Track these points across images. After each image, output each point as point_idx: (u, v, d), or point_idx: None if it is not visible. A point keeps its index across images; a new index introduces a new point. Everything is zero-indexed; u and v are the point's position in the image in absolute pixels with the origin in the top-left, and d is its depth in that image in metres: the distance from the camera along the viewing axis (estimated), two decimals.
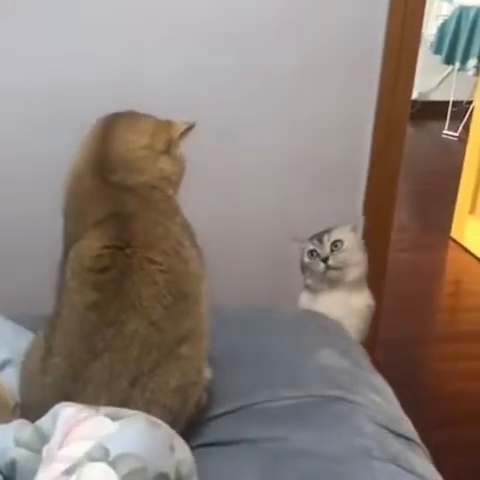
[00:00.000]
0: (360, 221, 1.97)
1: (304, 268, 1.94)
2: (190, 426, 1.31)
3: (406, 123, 2.29)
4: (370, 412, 1.39)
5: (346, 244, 1.87)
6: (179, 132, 1.40)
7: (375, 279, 2.15)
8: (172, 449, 1.02)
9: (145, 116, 1.41)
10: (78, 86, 1.96)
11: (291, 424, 1.35)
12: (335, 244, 1.87)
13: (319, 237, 1.90)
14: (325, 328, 1.69)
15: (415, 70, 2.23)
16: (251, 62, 2.10)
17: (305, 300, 1.94)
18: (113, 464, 0.91)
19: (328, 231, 1.90)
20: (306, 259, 1.91)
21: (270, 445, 1.30)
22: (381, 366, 1.67)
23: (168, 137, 1.38)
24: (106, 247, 1.23)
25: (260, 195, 2.27)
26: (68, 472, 0.90)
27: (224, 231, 2.17)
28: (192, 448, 1.25)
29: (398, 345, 2.82)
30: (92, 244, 1.24)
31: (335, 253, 1.86)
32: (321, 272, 1.86)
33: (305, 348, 1.57)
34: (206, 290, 1.33)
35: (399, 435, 1.37)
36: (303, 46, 2.12)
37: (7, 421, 1.15)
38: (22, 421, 1.10)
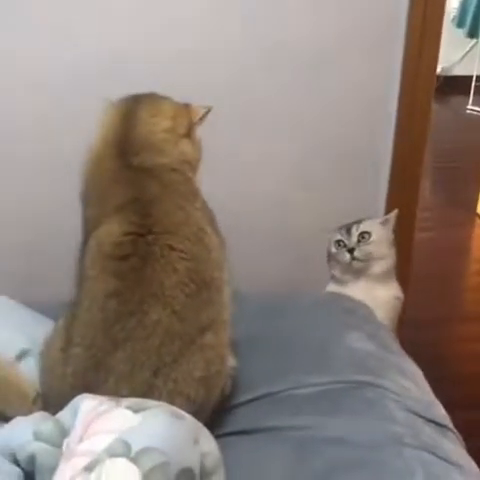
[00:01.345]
0: (392, 215, 1.92)
1: (330, 258, 1.91)
2: (215, 414, 1.28)
3: (431, 99, 2.22)
4: (400, 398, 1.35)
5: (374, 237, 1.84)
6: (198, 116, 1.38)
7: (401, 259, 2.10)
8: (196, 441, 0.99)
9: (165, 99, 1.38)
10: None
11: (319, 411, 1.31)
12: (363, 235, 1.84)
13: (347, 227, 1.87)
14: (352, 311, 1.64)
15: (439, 45, 2.15)
16: (269, 44, 2.05)
17: (331, 291, 1.90)
18: (135, 460, 0.88)
19: (357, 222, 1.87)
20: (333, 249, 1.89)
21: (297, 433, 1.27)
22: (407, 346, 1.63)
23: (188, 121, 1.36)
24: (127, 233, 1.20)
25: (282, 181, 2.23)
26: (89, 468, 0.87)
27: (243, 218, 2.15)
28: (217, 437, 1.23)
29: (424, 325, 2.76)
30: (112, 230, 1.20)
31: (361, 245, 1.83)
32: (346, 263, 1.83)
33: (332, 332, 1.53)
34: (228, 277, 1.29)
35: (431, 421, 1.33)
36: (324, 23, 2.07)
37: (28, 413, 1.13)
38: (42, 414, 1.08)
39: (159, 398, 1.12)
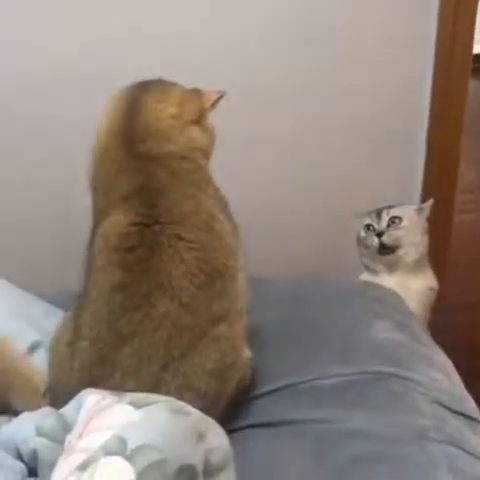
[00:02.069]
0: (427, 204, 1.86)
1: (359, 243, 1.86)
2: (234, 406, 1.26)
3: (467, 79, 2.16)
4: (428, 390, 1.30)
5: (405, 222, 1.78)
6: (210, 102, 1.33)
7: (439, 243, 2.04)
8: (201, 437, 0.96)
9: (173, 85, 1.33)
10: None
11: (341, 404, 1.27)
12: (393, 220, 1.79)
13: (378, 212, 1.82)
14: (381, 299, 1.59)
15: (475, 22, 2.09)
16: (296, 19, 2.02)
17: (364, 280, 1.86)
18: (130, 458, 0.85)
19: (389, 207, 1.82)
20: (362, 233, 1.84)
21: (318, 427, 1.23)
22: (445, 332, 1.57)
23: (199, 107, 1.31)
24: (133, 224, 1.17)
25: (314, 164, 2.19)
26: (82, 467, 0.85)
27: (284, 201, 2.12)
28: (235, 430, 1.21)
29: (464, 310, 2.67)
30: (118, 221, 1.18)
31: (391, 229, 1.77)
32: (375, 248, 1.78)
33: (358, 321, 1.48)
34: (242, 265, 1.25)
35: (459, 414, 1.27)
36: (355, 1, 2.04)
37: (38, 407, 1.12)
38: (47, 409, 1.06)
39: (167, 393, 1.10)
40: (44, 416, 1.02)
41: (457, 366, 1.45)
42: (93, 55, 1.96)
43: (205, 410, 1.10)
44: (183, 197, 1.21)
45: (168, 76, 1.34)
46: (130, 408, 0.95)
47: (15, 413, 1.15)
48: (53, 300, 1.54)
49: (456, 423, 1.24)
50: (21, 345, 1.33)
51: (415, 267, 1.81)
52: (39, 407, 1.12)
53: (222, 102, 1.34)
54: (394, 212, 1.79)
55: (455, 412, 1.27)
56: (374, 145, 2.19)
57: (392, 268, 1.80)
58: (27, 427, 1.00)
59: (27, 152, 2.06)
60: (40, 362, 1.28)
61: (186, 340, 1.13)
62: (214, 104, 1.33)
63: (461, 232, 2.46)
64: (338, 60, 2.09)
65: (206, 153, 1.31)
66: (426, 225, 1.85)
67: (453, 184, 2.26)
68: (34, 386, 1.21)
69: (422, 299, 1.81)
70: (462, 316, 2.61)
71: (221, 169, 1.29)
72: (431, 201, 1.86)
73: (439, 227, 2.09)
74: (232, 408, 1.24)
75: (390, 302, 1.59)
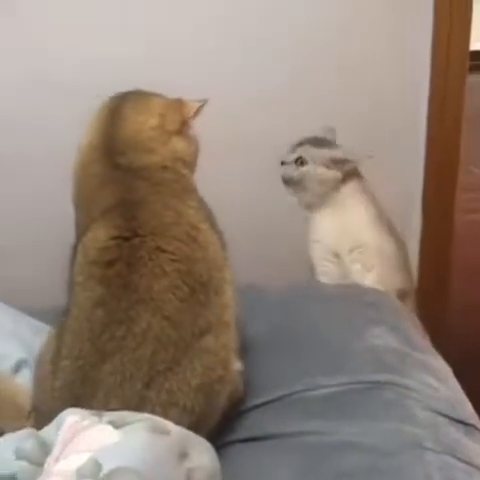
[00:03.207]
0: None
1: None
2: (226, 419, 1.23)
3: (465, 76, 2.13)
4: (423, 397, 1.27)
5: (308, 167, 1.75)
6: (192, 111, 1.32)
7: (441, 243, 2.01)
8: (183, 456, 0.94)
9: (153, 95, 1.33)
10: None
11: (334, 415, 1.24)
12: (301, 160, 1.75)
13: (298, 144, 1.79)
14: (374, 304, 1.55)
15: (471, 19, 2.06)
16: (297, 22, 2.02)
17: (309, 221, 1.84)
18: None
19: (305, 144, 1.78)
20: None
21: (311, 439, 1.20)
22: (453, 335, 1.53)
23: (180, 117, 1.31)
24: (112, 238, 1.15)
25: None
26: None
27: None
28: (224, 445, 1.19)
29: (472, 311, 2.63)
30: (98, 235, 1.16)
31: (294, 166, 1.75)
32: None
33: (351, 328, 1.45)
34: (230, 276, 1.23)
35: (457, 421, 1.24)
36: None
37: (21, 428, 1.10)
38: (27, 430, 1.04)
39: (152, 410, 1.08)
40: (24, 438, 1.00)
41: (462, 369, 1.42)
42: (93, 73, 1.96)
43: (193, 426, 1.09)
44: (163, 208, 1.19)
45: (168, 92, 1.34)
46: (109, 428, 0.93)
47: (1, 434, 1.13)
48: (43, 315, 1.51)
49: (452, 431, 1.21)
50: (6, 363, 1.31)
51: (340, 195, 1.77)
52: (24, 427, 1.10)
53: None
54: (304, 152, 1.76)
55: (451, 419, 1.24)
56: (372, 145, 2.15)
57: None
58: (6, 450, 0.98)
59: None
60: (25, 381, 1.26)
61: (170, 355, 1.11)
62: (196, 113, 1.32)
63: (467, 232, 2.41)
64: (334, 60, 2.07)
65: (189, 163, 1.30)
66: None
67: (453, 182, 2.22)
68: (19, 406, 1.20)
69: (366, 226, 1.77)
70: (471, 317, 2.58)
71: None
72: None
73: (440, 227, 2.05)
74: (223, 422, 1.22)
75: (385, 306, 1.56)
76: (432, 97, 2.13)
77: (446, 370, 1.40)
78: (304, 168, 1.74)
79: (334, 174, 1.75)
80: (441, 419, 1.23)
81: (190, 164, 1.30)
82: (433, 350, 1.47)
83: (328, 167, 1.74)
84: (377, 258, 1.76)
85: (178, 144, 1.28)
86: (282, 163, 1.76)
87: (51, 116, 1.98)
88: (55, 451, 0.93)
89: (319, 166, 1.74)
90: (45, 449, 0.97)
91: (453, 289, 2.28)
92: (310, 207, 1.79)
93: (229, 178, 2.05)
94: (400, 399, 1.26)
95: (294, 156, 1.75)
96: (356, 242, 1.76)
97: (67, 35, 1.94)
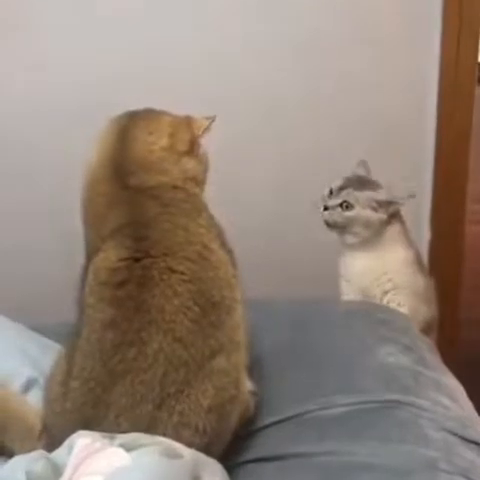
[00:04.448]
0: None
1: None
2: (238, 439, 1.22)
3: (474, 85, 2.14)
4: (437, 417, 1.25)
5: (355, 211, 1.72)
6: (201, 129, 1.31)
7: (451, 255, 1.99)
8: None
9: (162, 114, 1.32)
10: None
11: (347, 435, 1.23)
12: (346, 205, 1.72)
13: (338, 188, 1.75)
14: (386, 321, 1.53)
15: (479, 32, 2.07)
16: (304, 28, 2.06)
17: (342, 259, 1.82)
18: None
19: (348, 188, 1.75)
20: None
21: (324, 459, 1.18)
22: (462, 347, 1.51)
23: (190, 137, 1.29)
24: (122, 259, 1.14)
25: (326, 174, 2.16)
26: None
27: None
28: (239, 464, 1.18)
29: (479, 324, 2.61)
30: (108, 256, 1.16)
31: (337, 210, 1.73)
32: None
33: (363, 346, 1.43)
34: (240, 294, 1.22)
35: (470, 441, 1.22)
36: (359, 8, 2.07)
37: (33, 448, 1.10)
38: (38, 452, 1.04)
39: (164, 432, 1.07)
40: (35, 460, 1.00)
41: (470, 382, 1.41)
42: (94, 86, 2.00)
43: (205, 447, 1.08)
44: (174, 228, 1.18)
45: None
46: (121, 451, 0.93)
47: (11, 454, 1.13)
48: (51, 333, 1.51)
49: (466, 451, 1.19)
50: (16, 382, 1.31)
51: (381, 240, 1.75)
52: (35, 448, 1.10)
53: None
54: (348, 196, 1.73)
55: (465, 439, 1.22)
56: (381, 157, 2.15)
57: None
58: (17, 472, 0.98)
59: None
60: (36, 400, 1.25)
61: (181, 376, 1.10)
62: (205, 131, 1.31)
63: (475, 244, 2.40)
64: (339, 59, 2.10)
65: (199, 181, 1.29)
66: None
67: (463, 193, 2.22)
68: (29, 427, 1.19)
69: (403, 269, 1.76)
70: (477, 330, 2.57)
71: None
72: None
73: (450, 238, 2.04)
74: (234, 442, 1.21)
75: (397, 324, 1.54)
76: (441, 109, 2.13)
77: (458, 389, 1.39)
78: (350, 212, 1.72)
79: (380, 216, 1.73)
80: (455, 439, 1.21)
81: (200, 182, 1.29)
82: (445, 368, 1.45)
83: (374, 210, 1.72)
84: (410, 296, 1.75)
85: (188, 163, 1.27)
86: (325, 208, 1.74)
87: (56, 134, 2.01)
88: (66, 473, 0.93)
89: (365, 209, 1.72)
90: (56, 471, 0.97)
91: (462, 301, 2.27)
92: (350, 247, 1.78)
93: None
94: (413, 419, 1.24)
95: (339, 201, 1.73)
96: (392, 285, 1.75)
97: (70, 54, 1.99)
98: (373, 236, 1.74)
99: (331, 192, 1.75)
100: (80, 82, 2.01)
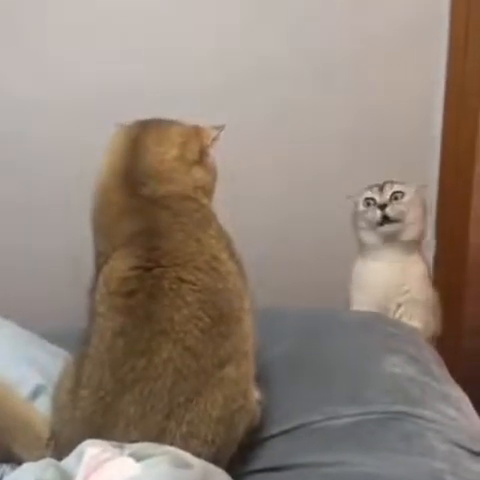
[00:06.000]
0: (424, 185, 1.84)
1: (357, 220, 1.78)
2: (244, 449, 1.22)
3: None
4: (443, 429, 1.25)
5: (407, 197, 1.73)
6: (211, 138, 1.32)
7: (456, 265, 2.00)
8: None
9: (172, 124, 1.32)
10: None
11: (353, 445, 1.23)
12: (395, 195, 1.72)
13: (380, 186, 1.75)
14: (394, 333, 1.54)
15: None
16: (313, 43, 2.08)
17: (358, 268, 1.80)
18: None
19: (391, 182, 1.75)
20: (361, 207, 1.76)
21: (330, 470, 1.18)
22: (468, 356, 1.51)
23: (200, 146, 1.30)
24: (133, 268, 1.15)
25: (331, 182, 2.19)
26: None
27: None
28: (245, 474, 1.18)
29: None
30: (119, 265, 1.16)
31: (394, 203, 1.71)
32: (377, 222, 1.71)
33: (371, 357, 1.44)
34: (249, 304, 1.23)
35: (478, 454, 1.22)
36: (367, 23, 2.07)
37: (41, 456, 1.10)
38: (47, 460, 1.03)
39: (172, 441, 1.07)
40: (44, 468, 0.99)
41: (475, 393, 1.41)
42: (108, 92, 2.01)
43: (213, 457, 1.08)
44: (185, 238, 1.19)
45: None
46: (131, 461, 0.93)
47: (19, 462, 1.13)
48: (59, 339, 1.52)
49: (473, 464, 1.19)
50: (23, 390, 1.31)
51: (410, 249, 1.75)
52: (43, 456, 1.09)
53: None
54: (397, 187, 1.73)
55: (472, 452, 1.22)
56: (385, 169, 2.16)
57: (389, 242, 1.73)
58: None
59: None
60: (44, 407, 1.25)
61: (191, 386, 1.11)
62: (214, 140, 1.32)
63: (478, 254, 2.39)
64: (347, 73, 2.11)
65: (207, 190, 1.30)
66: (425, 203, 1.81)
67: (468, 203, 2.21)
68: (37, 434, 1.19)
69: (420, 282, 1.76)
70: None
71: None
72: (425, 185, 1.84)
73: (455, 248, 2.04)
74: (241, 451, 1.21)
75: (404, 335, 1.55)
76: (447, 122, 2.14)
77: (465, 400, 1.39)
78: (406, 198, 1.73)
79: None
80: (461, 452, 1.21)
81: (209, 192, 1.30)
82: (452, 380, 1.45)
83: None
84: (423, 310, 1.76)
85: (198, 173, 1.28)
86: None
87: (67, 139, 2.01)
88: None
89: (411, 194, 1.75)
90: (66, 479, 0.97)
91: (467, 312, 2.27)
92: (373, 255, 1.77)
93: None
94: (420, 431, 1.24)
95: (389, 193, 1.73)
96: (408, 298, 1.75)
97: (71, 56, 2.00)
98: (395, 245, 1.74)
99: (371, 199, 1.74)
100: (80, 83, 2.03)
